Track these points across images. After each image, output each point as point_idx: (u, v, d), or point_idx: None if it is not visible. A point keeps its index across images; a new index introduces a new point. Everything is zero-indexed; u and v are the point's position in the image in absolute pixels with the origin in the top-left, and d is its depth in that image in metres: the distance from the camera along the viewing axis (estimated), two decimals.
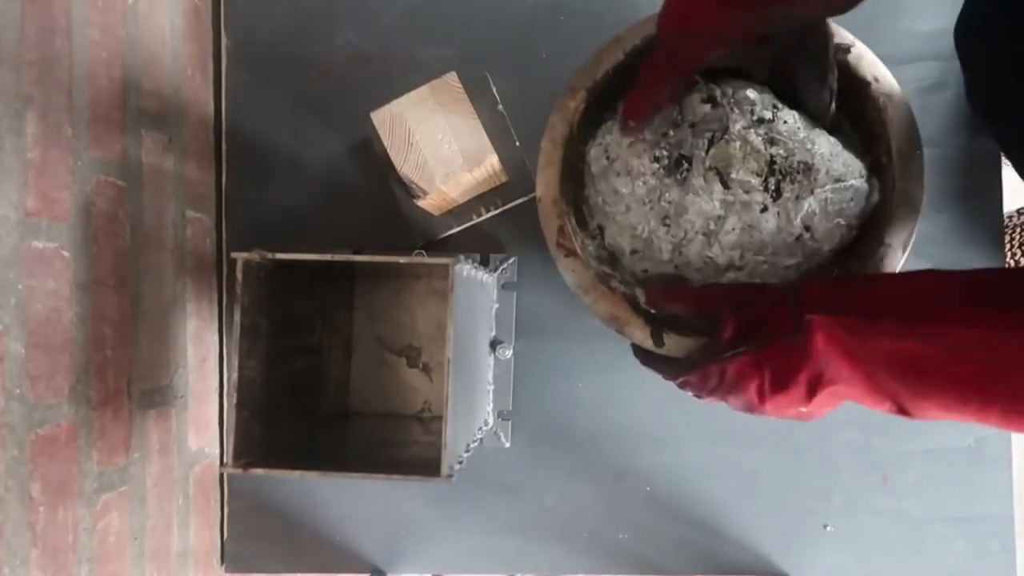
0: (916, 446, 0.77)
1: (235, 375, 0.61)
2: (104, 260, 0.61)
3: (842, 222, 0.57)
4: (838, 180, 0.56)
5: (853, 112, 0.60)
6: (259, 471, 0.60)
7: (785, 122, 0.56)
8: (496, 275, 0.77)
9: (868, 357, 0.45)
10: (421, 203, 0.70)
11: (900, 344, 0.44)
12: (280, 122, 0.79)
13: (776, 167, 0.56)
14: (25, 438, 0.52)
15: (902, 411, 0.46)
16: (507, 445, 0.78)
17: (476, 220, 0.77)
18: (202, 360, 0.77)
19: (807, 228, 0.57)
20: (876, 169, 0.58)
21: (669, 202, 0.58)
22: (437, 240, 0.78)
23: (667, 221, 0.58)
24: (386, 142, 0.66)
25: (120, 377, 0.63)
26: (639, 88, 0.56)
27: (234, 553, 0.79)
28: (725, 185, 0.56)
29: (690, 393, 0.56)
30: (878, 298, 0.47)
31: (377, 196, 0.78)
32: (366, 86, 0.78)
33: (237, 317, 0.61)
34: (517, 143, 0.76)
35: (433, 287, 0.78)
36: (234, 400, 0.61)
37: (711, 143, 0.57)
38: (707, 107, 0.57)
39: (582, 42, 0.78)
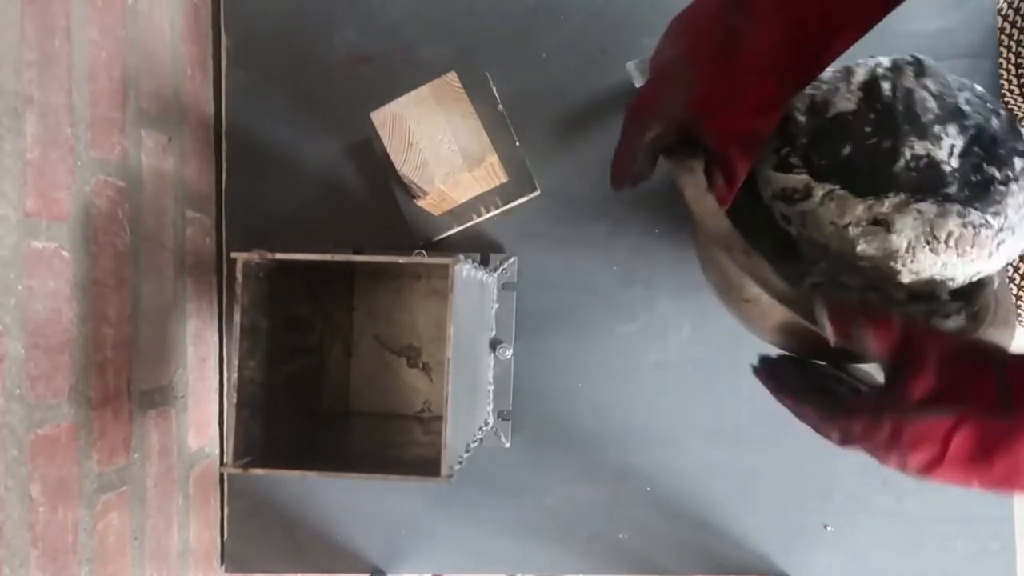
0: None
1: (235, 375, 0.61)
2: (104, 260, 0.61)
3: None
4: None
5: None
6: (259, 471, 0.60)
7: None
8: (496, 275, 0.77)
9: None
10: (421, 203, 0.70)
11: None
12: (280, 122, 0.79)
13: None
14: (25, 438, 0.52)
15: None
16: (507, 445, 0.78)
17: (476, 220, 0.77)
18: (202, 360, 0.77)
19: None
20: None
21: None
22: (437, 240, 0.78)
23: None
24: (386, 142, 0.66)
25: (120, 377, 0.63)
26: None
27: (234, 553, 0.79)
28: None
29: (830, 438, 0.47)
30: None
31: (377, 196, 0.78)
32: (366, 86, 0.78)
33: (237, 317, 0.61)
34: (517, 143, 0.76)
35: (433, 287, 0.78)
36: (234, 400, 0.61)
37: None
38: None
39: (582, 42, 0.79)
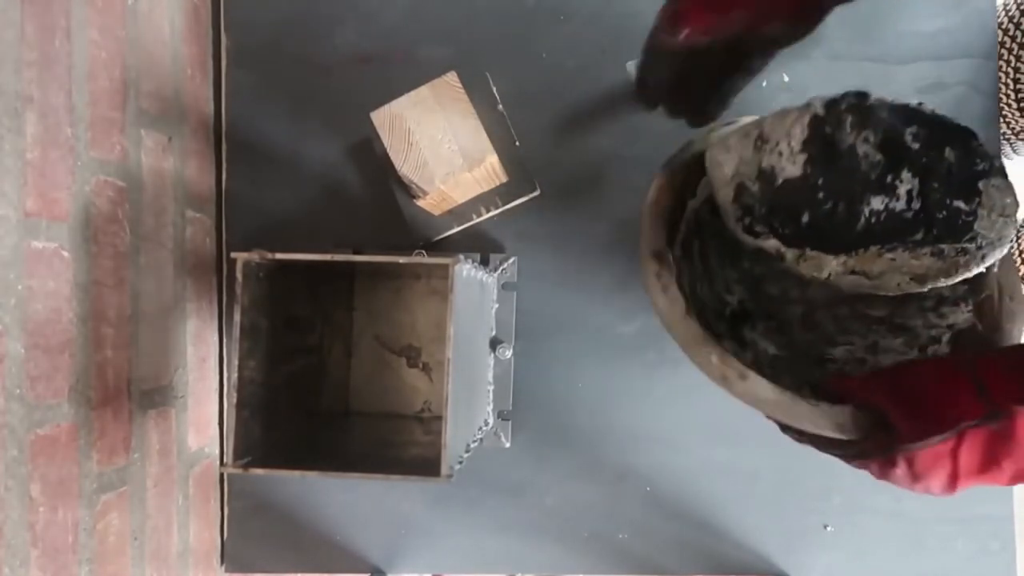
0: None
1: (235, 375, 0.61)
2: (104, 260, 0.61)
3: None
4: None
5: None
6: (259, 471, 0.60)
7: None
8: (496, 275, 0.77)
9: None
10: (421, 203, 0.70)
11: None
12: (280, 122, 0.79)
13: None
14: (25, 438, 0.52)
15: None
16: (507, 445, 0.78)
17: (476, 220, 0.77)
18: (202, 360, 0.77)
19: None
20: None
21: None
22: (437, 240, 0.78)
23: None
24: (386, 142, 0.66)
25: (120, 377, 0.63)
26: None
27: (234, 553, 0.79)
28: None
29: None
30: None
31: (377, 196, 0.78)
32: (366, 86, 0.78)
33: (237, 317, 0.61)
34: (517, 143, 0.76)
35: (433, 287, 0.78)
36: (234, 400, 0.61)
37: None
38: None
39: (582, 42, 0.79)
